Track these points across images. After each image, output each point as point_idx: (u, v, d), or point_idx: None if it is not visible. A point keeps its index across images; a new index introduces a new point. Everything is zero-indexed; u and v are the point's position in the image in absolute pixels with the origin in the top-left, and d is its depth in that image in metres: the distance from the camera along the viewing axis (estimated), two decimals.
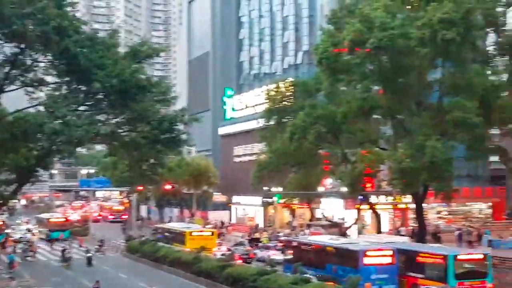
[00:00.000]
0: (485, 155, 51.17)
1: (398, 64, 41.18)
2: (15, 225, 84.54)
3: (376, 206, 55.16)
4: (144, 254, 54.04)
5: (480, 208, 67.60)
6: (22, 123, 28.73)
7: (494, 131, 50.68)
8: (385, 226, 56.83)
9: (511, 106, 41.74)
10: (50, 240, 68.88)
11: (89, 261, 49.84)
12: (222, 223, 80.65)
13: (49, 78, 32.88)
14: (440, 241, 48.95)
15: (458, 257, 33.93)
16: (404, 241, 42.29)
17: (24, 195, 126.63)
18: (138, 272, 47.87)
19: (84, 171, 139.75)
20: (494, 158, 60.90)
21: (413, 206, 50.14)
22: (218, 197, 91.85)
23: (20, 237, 72.37)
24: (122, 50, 33.10)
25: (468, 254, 35.76)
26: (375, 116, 47.64)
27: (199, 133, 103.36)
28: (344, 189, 52.51)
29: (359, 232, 56.23)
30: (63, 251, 51.96)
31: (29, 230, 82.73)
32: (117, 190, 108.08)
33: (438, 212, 65.63)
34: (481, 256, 34.64)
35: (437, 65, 43.41)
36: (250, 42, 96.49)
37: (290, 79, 62.08)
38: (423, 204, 47.55)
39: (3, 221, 75.52)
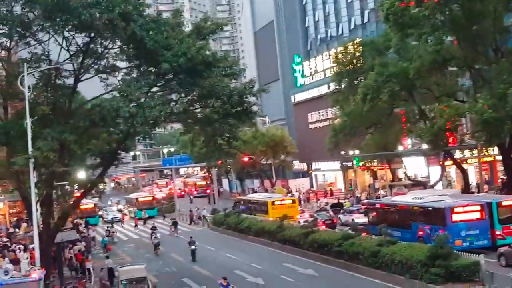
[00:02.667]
0: None
1: (471, 11, 39.75)
2: (107, 207, 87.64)
3: (461, 161, 53.92)
4: (229, 226, 55.06)
5: None
6: (99, 110, 29.51)
7: None
8: (472, 180, 55.39)
9: None
10: (140, 219, 71.28)
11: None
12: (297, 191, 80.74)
13: (120, 64, 33.68)
14: None
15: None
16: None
17: (112, 177, 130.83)
18: (224, 244, 48.81)
19: (165, 150, 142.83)
20: None
21: (501, 158, 48.67)
22: (297, 166, 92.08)
23: (113, 218, 75.26)
24: (186, 28, 33.39)
25: None
26: (450, 68, 46.32)
27: (271, 103, 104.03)
28: (425, 146, 51.52)
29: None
30: (152, 233, 51.22)
31: (120, 211, 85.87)
32: (197, 166, 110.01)
33: None
34: None
35: None
36: (314, 6, 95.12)
37: (358, 39, 61.08)
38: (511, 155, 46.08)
39: (95, 204, 78.60)
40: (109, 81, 32.28)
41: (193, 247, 42.64)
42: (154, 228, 53.15)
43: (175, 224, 58.92)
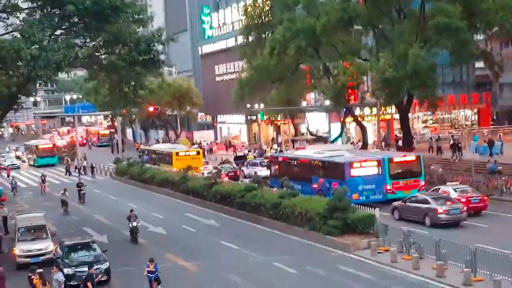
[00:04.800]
0: (469, 60, 51.16)
1: None
2: (5, 153, 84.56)
3: (361, 119, 55.55)
4: (132, 176, 54.58)
5: (466, 115, 67.93)
6: None
7: (479, 36, 50.59)
8: (370, 138, 57.31)
9: (495, 9, 41.15)
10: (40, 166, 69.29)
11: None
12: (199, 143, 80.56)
13: (22, 4, 32.09)
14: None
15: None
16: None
17: (10, 123, 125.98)
18: (127, 194, 48.47)
19: (67, 97, 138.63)
20: (479, 64, 61.10)
21: (398, 116, 50.56)
22: (202, 117, 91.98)
23: (10, 164, 72.72)
24: None
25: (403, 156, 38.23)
26: (355, 27, 47.29)
27: (178, 53, 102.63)
28: (328, 102, 52.67)
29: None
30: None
31: (18, 158, 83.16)
32: (101, 114, 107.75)
33: (424, 122, 66.13)
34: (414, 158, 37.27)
35: None
36: None
37: None
38: (408, 114, 47.90)
39: None
40: (10, 21, 30.67)
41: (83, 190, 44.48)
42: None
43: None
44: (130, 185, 53.49)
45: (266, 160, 51.30)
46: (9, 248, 29.59)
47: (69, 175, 63.41)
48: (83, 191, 44.98)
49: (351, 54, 46.80)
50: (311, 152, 41.60)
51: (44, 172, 56.32)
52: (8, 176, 61.27)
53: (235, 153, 66.63)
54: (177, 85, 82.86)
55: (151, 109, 79.36)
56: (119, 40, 30.93)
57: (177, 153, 55.35)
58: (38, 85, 37.51)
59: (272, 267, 25.13)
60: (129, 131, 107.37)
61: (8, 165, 70.10)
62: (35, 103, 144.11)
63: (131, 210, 31.47)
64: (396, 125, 58.66)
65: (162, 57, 34.96)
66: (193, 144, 77.36)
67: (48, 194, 50.08)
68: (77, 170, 63.36)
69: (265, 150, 64.21)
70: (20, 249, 27.63)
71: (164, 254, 27.78)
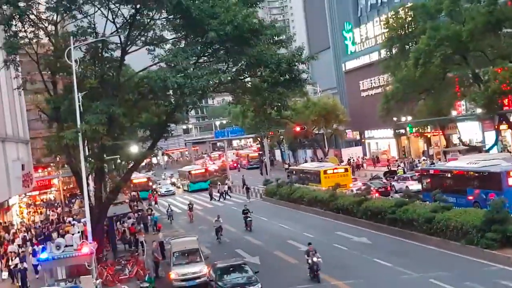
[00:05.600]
0: None
1: None
2: (161, 180, 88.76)
3: None
4: (282, 197, 55.00)
5: None
6: (147, 81, 29.63)
7: None
8: None
9: None
10: (194, 191, 71.81)
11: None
12: (349, 160, 79.85)
13: (167, 35, 33.63)
14: None
15: None
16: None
17: (165, 151, 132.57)
18: (277, 214, 48.82)
19: (217, 122, 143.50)
20: None
21: None
22: (350, 134, 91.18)
23: (166, 191, 76.19)
24: None
25: None
26: (504, 30, 44.69)
27: (322, 72, 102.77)
28: (479, 110, 50.13)
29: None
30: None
31: (173, 184, 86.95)
32: (249, 137, 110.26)
33: None
34: None
35: None
36: None
37: (409, 4, 59.47)
38: None
39: (148, 178, 79.75)
40: (156, 53, 32.21)
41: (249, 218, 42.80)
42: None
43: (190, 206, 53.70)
44: (280, 206, 53.89)
45: (417, 174, 49.61)
46: (166, 272, 30.62)
47: (211, 200, 65.01)
48: (250, 218, 43.00)
49: (501, 58, 44.24)
50: (465, 163, 39.62)
51: (192, 200, 57.53)
52: (155, 204, 63.37)
53: (389, 167, 65.15)
54: (323, 103, 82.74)
55: (297, 129, 79.79)
56: (260, 62, 31.31)
57: (325, 171, 55.11)
58: (186, 112, 38.83)
59: (428, 284, 23.98)
60: (277, 152, 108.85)
61: (155, 193, 73.16)
62: (186, 131, 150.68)
63: (309, 244, 28.05)
64: None
65: (304, 76, 34.87)
66: (342, 161, 76.80)
67: (202, 218, 51.64)
68: (219, 195, 65.13)
69: (417, 163, 62.17)
70: (176, 272, 28.55)
71: None
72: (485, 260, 25.91)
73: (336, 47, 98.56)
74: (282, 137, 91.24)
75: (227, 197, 65.46)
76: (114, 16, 31.03)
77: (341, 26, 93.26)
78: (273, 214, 49.50)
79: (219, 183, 71.15)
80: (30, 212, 60.22)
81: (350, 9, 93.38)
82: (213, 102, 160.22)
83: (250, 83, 35.71)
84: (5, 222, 48.41)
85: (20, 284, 31.28)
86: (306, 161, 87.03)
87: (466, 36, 41.70)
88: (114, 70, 32.32)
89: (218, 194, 65.70)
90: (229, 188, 68.31)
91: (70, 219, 47.90)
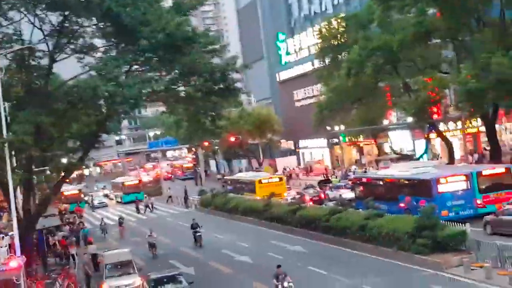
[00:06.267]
0: None
1: None
2: (93, 193, 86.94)
3: (446, 134, 53.67)
4: (217, 206, 54.70)
5: None
6: (76, 90, 28.86)
7: None
8: (457, 153, 55.16)
9: None
10: (126, 203, 70.52)
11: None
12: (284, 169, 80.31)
13: (97, 43, 32.87)
14: None
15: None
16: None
17: (97, 162, 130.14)
18: (212, 224, 48.37)
19: (151, 133, 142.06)
20: None
21: (484, 129, 48.46)
22: (285, 144, 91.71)
23: (99, 203, 74.58)
24: (166, 5, 32.55)
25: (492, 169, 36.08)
26: (434, 40, 45.92)
27: (256, 82, 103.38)
28: (410, 119, 51.25)
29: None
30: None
31: (106, 196, 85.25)
32: (182, 147, 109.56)
33: None
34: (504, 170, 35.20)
35: None
36: None
37: (342, 15, 60.46)
38: (495, 125, 45.80)
39: (79, 190, 77.94)
40: (86, 61, 31.35)
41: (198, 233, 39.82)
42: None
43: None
44: (214, 216, 53.55)
45: (350, 182, 50.23)
46: (98, 285, 29.82)
47: (138, 213, 63.88)
48: (199, 233, 39.76)
49: (431, 68, 45.44)
50: (396, 170, 40.33)
51: (124, 212, 55.37)
52: (81, 216, 61.67)
53: (325, 176, 65.67)
54: (257, 114, 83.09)
55: (232, 139, 79.75)
56: (194, 71, 31.03)
57: (259, 181, 55.16)
58: (118, 122, 38.06)
59: None
60: (212, 163, 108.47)
61: (78, 206, 71.36)
62: (119, 142, 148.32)
63: (278, 266, 24.63)
64: (483, 138, 56.24)
65: (238, 85, 34.77)
66: (276, 171, 77.08)
67: (136, 229, 50.73)
68: (145, 207, 64.53)
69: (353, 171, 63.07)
70: (108, 285, 27.84)
71: (252, 283, 27.29)
72: (417, 265, 26.25)
73: (270, 57, 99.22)
74: (216, 147, 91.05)
75: (153, 209, 64.70)
76: (41, 23, 30.04)
77: (274, 37, 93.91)
78: (208, 224, 48.79)
79: (145, 195, 70.15)
80: None
81: (284, 20, 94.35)
82: (145, 111, 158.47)
83: (183, 92, 35.26)
84: None
85: None
86: (241, 171, 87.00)
87: (397, 46, 42.59)
88: (42, 78, 31.29)
89: (144, 207, 64.88)
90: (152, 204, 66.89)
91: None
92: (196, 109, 34.20)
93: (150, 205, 65.08)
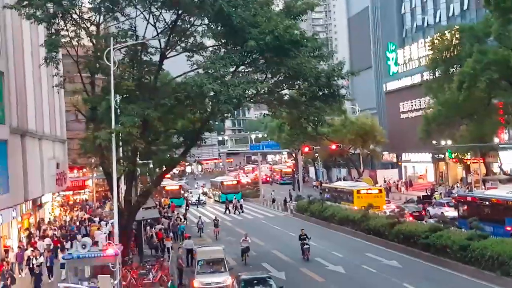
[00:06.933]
0: None
1: None
2: (193, 189, 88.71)
3: None
4: (313, 213, 54.24)
5: None
6: (184, 87, 29.38)
7: None
8: None
9: None
10: (223, 202, 71.32)
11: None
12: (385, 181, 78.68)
13: (207, 42, 33.35)
14: None
15: None
16: None
17: (199, 161, 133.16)
18: (307, 231, 47.73)
19: (253, 136, 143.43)
20: None
21: None
22: (387, 156, 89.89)
23: (197, 200, 75.97)
24: (277, 8, 32.58)
25: None
26: None
27: (362, 91, 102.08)
28: None
29: None
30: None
31: (205, 194, 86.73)
32: (283, 151, 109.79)
33: None
34: None
35: None
36: None
37: (456, 27, 58.41)
38: None
39: (180, 186, 79.67)
40: (195, 59, 31.87)
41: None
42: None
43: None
44: (310, 223, 53.01)
45: (453, 200, 48.40)
46: (190, 280, 30.14)
47: (228, 213, 64.76)
48: (307, 245, 36.86)
49: None
50: (504, 191, 38.43)
51: (217, 217, 54.92)
52: (173, 212, 62.70)
53: (426, 191, 63.84)
54: (360, 123, 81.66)
55: (333, 147, 78.85)
56: (299, 75, 30.76)
57: (358, 191, 54.22)
58: (221, 121, 38.41)
59: None
60: (311, 170, 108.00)
61: (197, 200, 73.11)
62: (222, 142, 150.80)
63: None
64: None
65: (343, 91, 34.18)
66: (376, 183, 75.61)
67: (231, 229, 51.09)
68: (234, 209, 65.23)
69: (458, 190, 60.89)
70: (199, 281, 28.08)
71: None
72: None
73: (378, 67, 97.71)
74: (317, 154, 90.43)
75: (241, 211, 65.34)
76: (155, 20, 30.87)
77: (384, 46, 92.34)
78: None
79: (234, 197, 70.77)
80: (62, 211, 60.22)
81: (395, 30, 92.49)
82: (249, 113, 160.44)
83: (287, 95, 35.18)
84: (42, 219, 48.51)
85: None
86: (339, 180, 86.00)
87: None
88: (152, 74, 32.08)
89: (233, 208, 65.67)
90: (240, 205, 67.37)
91: (97, 219, 47.87)
92: (299, 114, 33.87)
93: (239, 206, 65.48)
